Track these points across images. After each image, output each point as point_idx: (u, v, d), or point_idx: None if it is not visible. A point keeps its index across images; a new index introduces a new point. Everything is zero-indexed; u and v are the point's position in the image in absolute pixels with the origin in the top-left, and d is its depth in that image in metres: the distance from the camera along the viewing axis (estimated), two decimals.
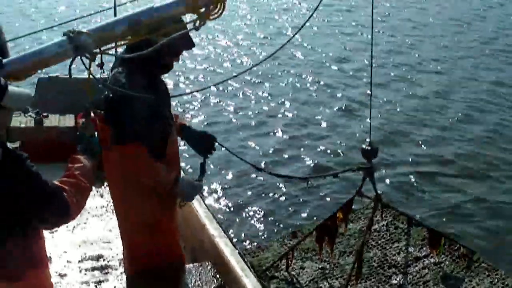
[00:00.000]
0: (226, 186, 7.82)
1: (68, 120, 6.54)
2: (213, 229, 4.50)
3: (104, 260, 4.98)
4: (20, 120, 6.59)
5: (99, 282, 4.64)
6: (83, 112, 3.07)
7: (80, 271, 4.81)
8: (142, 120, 3.18)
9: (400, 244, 4.77)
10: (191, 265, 4.27)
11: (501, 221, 6.72)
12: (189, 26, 2.90)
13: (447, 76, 13.33)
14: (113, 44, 2.78)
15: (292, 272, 4.63)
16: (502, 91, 12.08)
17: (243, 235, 6.39)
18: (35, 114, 6.55)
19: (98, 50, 2.68)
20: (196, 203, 4.79)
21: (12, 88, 2.40)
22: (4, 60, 2.56)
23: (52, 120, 6.52)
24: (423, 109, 11.04)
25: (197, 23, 2.74)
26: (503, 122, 10.32)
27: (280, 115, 10.58)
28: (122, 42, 2.82)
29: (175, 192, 3.59)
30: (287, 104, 11.10)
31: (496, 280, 4.09)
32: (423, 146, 9.18)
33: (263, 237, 6.17)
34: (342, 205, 4.47)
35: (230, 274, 4.01)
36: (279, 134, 9.64)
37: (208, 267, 4.23)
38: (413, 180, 7.87)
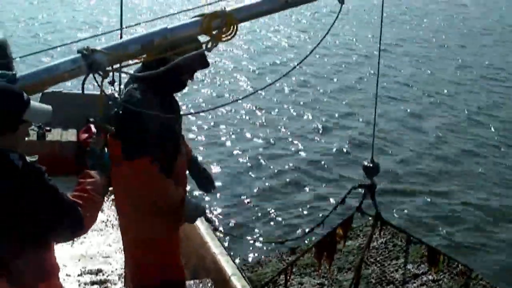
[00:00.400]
0: (226, 203, 7.85)
1: (71, 135, 6.58)
2: (214, 247, 4.51)
3: (103, 274, 4.97)
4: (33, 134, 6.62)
5: None
6: (95, 127, 3.11)
7: (79, 285, 4.79)
8: (153, 136, 3.22)
9: (399, 262, 4.79)
10: (191, 281, 4.27)
11: (500, 240, 6.76)
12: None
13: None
14: (124, 63, 2.84)
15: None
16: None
17: (242, 251, 6.40)
18: (38, 127, 6.59)
19: (110, 68, 2.73)
20: (198, 220, 4.79)
21: (34, 103, 2.46)
22: (18, 75, 2.62)
23: (55, 134, 6.57)
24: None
25: (209, 45, 2.81)
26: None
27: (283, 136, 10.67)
28: (137, 61, 2.87)
29: (181, 212, 3.64)
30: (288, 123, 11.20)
31: None
32: (426, 165, 9.25)
33: (262, 253, 6.18)
34: (341, 221, 4.49)
35: None
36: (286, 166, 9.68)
37: (209, 284, 4.23)
38: (412, 198, 7.91)
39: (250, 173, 8.89)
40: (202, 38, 2.79)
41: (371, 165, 4.12)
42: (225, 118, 11.47)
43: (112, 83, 3.07)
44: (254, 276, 4.82)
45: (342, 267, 4.83)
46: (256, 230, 6.86)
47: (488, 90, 13.88)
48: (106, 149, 3.02)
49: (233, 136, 10.62)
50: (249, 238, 6.62)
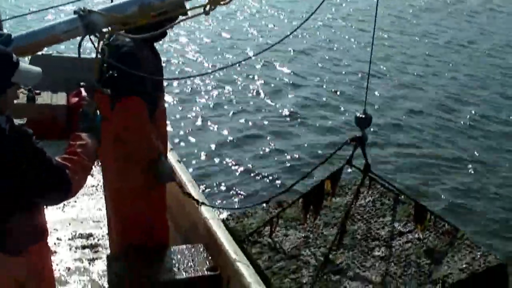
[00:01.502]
0: (214, 156, 7.82)
1: (60, 98, 6.55)
2: (206, 212, 4.51)
3: (94, 238, 5.05)
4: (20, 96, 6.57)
5: (90, 260, 4.69)
6: (87, 89, 3.08)
7: (70, 249, 4.86)
8: (143, 81, 3.37)
9: (385, 219, 4.76)
10: (183, 246, 4.30)
11: (488, 202, 6.78)
12: (200, 10, 2.96)
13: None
14: None
15: (275, 239, 4.61)
16: None
17: (228, 203, 6.39)
18: (28, 91, 6.58)
19: (107, 29, 2.74)
20: (189, 186, 4.80)
21: (23, 64, 2.41)
22: (14, 35, 2.59)
23: (45, 98, 6.55)
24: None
25: (208, 8, 2.82)
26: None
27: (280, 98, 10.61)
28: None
29: (155, 166, 3.67)
30: (284, 88, 11.14)
31: (478, 256, 4.08)
32: (420, 129, 9.23)
33: (248, 206, 6.16)
34: (330, 174, 4.46)
35: (222, 256, 4.04)
36: (279, 114, 9.64)
37: (201, 249, 4.22)
38: (403, 158, 7.92)
39: (239, 127, 8.88)
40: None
41: (364, 116, 4.09)
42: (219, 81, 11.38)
43: (108, 45, 3.09)
44: (239, 226, 4.78)
45: (328, 223, 4.79)
46: (243, 185, 6.83)
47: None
48: (98, 112, 2.98)
49: (220, 90, 10.56)
50: (235, 190, 6.62)
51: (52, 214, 5.12)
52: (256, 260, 4.39)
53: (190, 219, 4.76)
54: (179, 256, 4.17)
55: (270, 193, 6.60)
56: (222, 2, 2.94)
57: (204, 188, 6.81)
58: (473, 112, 10.01)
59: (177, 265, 4.08)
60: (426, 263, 4.14)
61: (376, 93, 10.40)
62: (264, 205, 5.04)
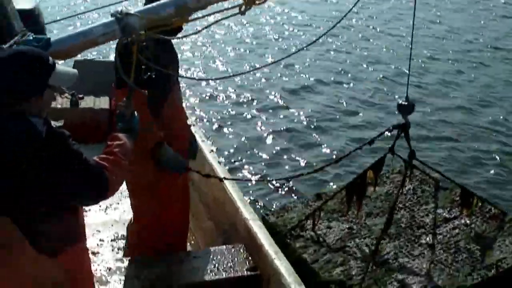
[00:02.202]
0: (247, 153, 7.77)
1: (103, 102, 6.61)
2: (246, 213, 4.49)
3: None
4: (56, 101, 6.59)
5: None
6: (126, 90, 3.09)
7: (113, 250, 4.87)
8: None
9: (428, 206, 4.69)
10: (223, 246, 4.33)
11: None
12: (235, 10, 2.97)
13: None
14: None
15: (319, 232, 4.55)
16: None
17: (267, 199, 6.32)
18: (71, 95, 6.58)
19: (144, 32, 2.74)
20: (229, 186, 4.80)
21: (60, 67, 2.38)
22: (52, 39, 2.60)
23: (88, 102, 6.60)
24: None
25: (243, 8, 2.81)
26: None
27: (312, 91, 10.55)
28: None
29: (157, 151, 3.71)
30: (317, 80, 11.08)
31: None
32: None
33: (287, 200, 6.09)
34: (372, 164, 4.38)
35: (262, 256, 4.02)
36: (311, 109, 9.57)
37: (241, 250, 4.23)
38: (445, 146, 7.85)
39: (274, 119, 8.82)
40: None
41: (406, 103, 4.01)
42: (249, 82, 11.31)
43: (146, 47, 3.11)
44: (279, 221, 4.73)
45: (370, 212, 4.73)
46: (280, 181, 6.74)
47: None
48: (136, 113, 2.97)
49: (254, 84, 10.49)
50: (274, 185, 6.54)
51: (95, 216, 5.19)
52: (302, 254, 4.34)
53: (230, 219, 4.77)
54: (219, 257, 4.18)
55: (308, 187, 6.54)
56: (257, 2, 2.93)
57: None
58: None
59: (217, 265, 4.10)
60: (476, 249, 4.07)
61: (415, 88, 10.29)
62: (303, 198, 5.00)
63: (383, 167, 4.35)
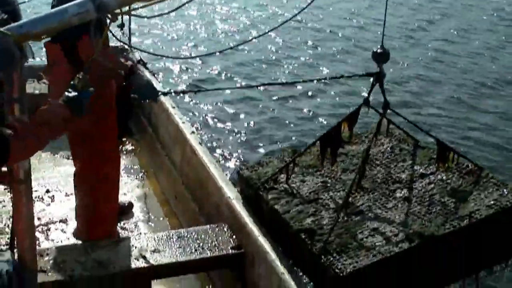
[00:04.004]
0: (220, 109, 7.71)
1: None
2: (229, 192, 4.59)
3: (119, 223, 5.29)
4: (34, 87, 6.74)
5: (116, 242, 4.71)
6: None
7: None
8: None
9: (406, 164, 4.59)
10: (207, 226, 4.44)
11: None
12: None
13: None
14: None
15: (292, 185, 4.45)
16: None
17: (241, 155, 6.26)
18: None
19: (119, 11, 2.74)
20: (212, 167, 4.92)
21: None
22: (26, 20, 2.63)
23: None
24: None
25: None
26: None
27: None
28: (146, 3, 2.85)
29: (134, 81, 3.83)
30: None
31: (506, 192, 3.91)
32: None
33: (262, 155, 6.03)
34: (346, 115, 4.29)
35: (246, 235, 4.13)
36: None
37: (225, 229, 4.33)
38: (422, 100, 7.79)
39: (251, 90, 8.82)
40: None
41: (381, 50, 3.92)
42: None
43: (121, 26, 3.11)
44: (254, 175, 4.62)
45: (346, 169, 4.63)
46: (255, 131, 6.68)
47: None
48: (92, 89, 2.93)
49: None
50: (248, 141, 6.47)
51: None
52: (273, 205, 4.25)
53: (213, 199, 4.86)
54: (203, 236, 4.28)
55: (284, 143, 6.47)
56: None
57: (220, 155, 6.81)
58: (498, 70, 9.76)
59: (201, 244, 4.18)
60: (451, 202, 3.98)
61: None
62: (279, 155, 4.91)
63: (357, 119, 4.24)
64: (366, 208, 4.08)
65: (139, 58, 7.33)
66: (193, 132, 5.76)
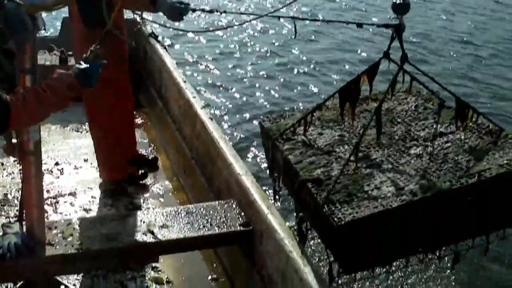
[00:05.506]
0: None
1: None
2: (239, 168, 4.54)
3: (140, 171, 5.55)
4: (45, 58, 6.78)
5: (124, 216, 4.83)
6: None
7: (105, 206, 4.95)
8: None
9: (427, 122, 4.53)
10: (216, 202, 4.39)
11: None
12: None
13: None
14: None
15: (309, 137, 4.48)
16: None
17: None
18: (60, 52, 6.73)
19: None
20: (222, 142, 4.91)
21: None
22: None
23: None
24: None
25: None
26: None
27: None
28: None
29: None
30: None
31: None
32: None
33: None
34: (366, 68, 4.24)
35: (255, 212, 4.07)
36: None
37: (233, 205, 4.30)
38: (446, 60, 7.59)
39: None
40: None
41: (401, 1, 3.84)
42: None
43: None
44: (274, 126, 4.67)
45: (366, 125, 4.59)
46: (277, 90, 6.68)
47: None
48: (102, 62, 3.03)
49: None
50: (272, 97, 6.48)
51: (87, 174, 5.72)
52: (288, 156, 4.29)
53: (222, 175, 4.81)
54: (211, 212, 4.25)
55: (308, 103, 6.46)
56: None
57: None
58: None
59: (209, 220, 4.15)
60: (464, 160, 3.91)
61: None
62: (302, 107, 4.93)
63: (377, 72, 4.19)
64: (377, 163, 4.06)
65: (151, 31, 7.43)
66: (203, 107, 5.71)
